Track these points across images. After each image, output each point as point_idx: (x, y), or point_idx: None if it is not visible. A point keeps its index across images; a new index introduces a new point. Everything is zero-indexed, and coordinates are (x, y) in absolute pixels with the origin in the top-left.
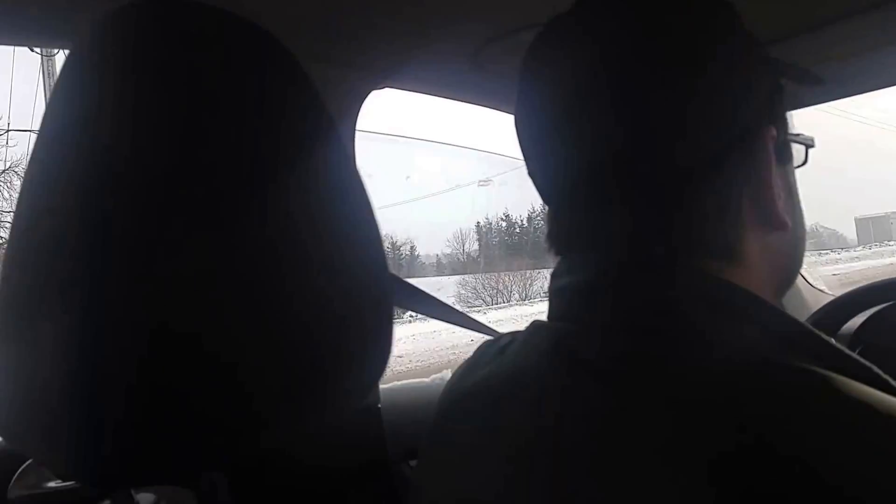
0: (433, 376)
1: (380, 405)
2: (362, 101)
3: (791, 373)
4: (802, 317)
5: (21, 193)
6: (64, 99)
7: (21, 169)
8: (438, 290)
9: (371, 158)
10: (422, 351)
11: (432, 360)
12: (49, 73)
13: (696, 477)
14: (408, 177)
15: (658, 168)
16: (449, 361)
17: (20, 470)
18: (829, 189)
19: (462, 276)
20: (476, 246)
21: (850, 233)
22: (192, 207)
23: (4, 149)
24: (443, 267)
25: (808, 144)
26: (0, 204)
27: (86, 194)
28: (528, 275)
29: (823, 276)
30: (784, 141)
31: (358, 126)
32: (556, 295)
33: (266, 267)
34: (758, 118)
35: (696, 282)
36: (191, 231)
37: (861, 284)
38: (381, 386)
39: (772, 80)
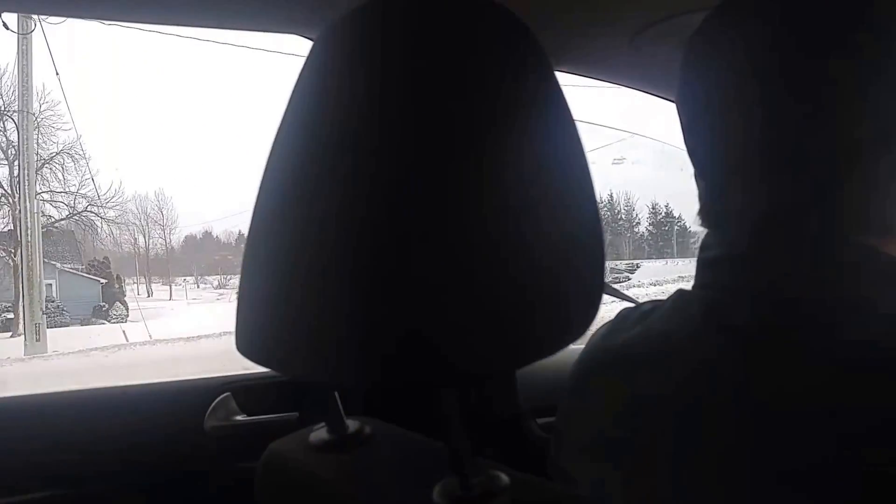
0: None
1: None
2: None
3: None
4: None
5: (271, 154)
6: (315, 81)
7: (74, 152)
8: None
9: None
10: None
11: None
12: (24, 52)
13: (862, 440)
14: None
15: (825, 145)
16: None
17: (213, 404)
18: None
19: None
20: None
21: None
22: (440, 165)
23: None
24: None
25: None
26: (52, 185)
27: (339, 147)
28: None
29: None
30: None
31: None
32: (705, 265)
33: (500, 221)
34: None
35: (856, 254)
36: (432, 185)
37: None
38: None
39: None
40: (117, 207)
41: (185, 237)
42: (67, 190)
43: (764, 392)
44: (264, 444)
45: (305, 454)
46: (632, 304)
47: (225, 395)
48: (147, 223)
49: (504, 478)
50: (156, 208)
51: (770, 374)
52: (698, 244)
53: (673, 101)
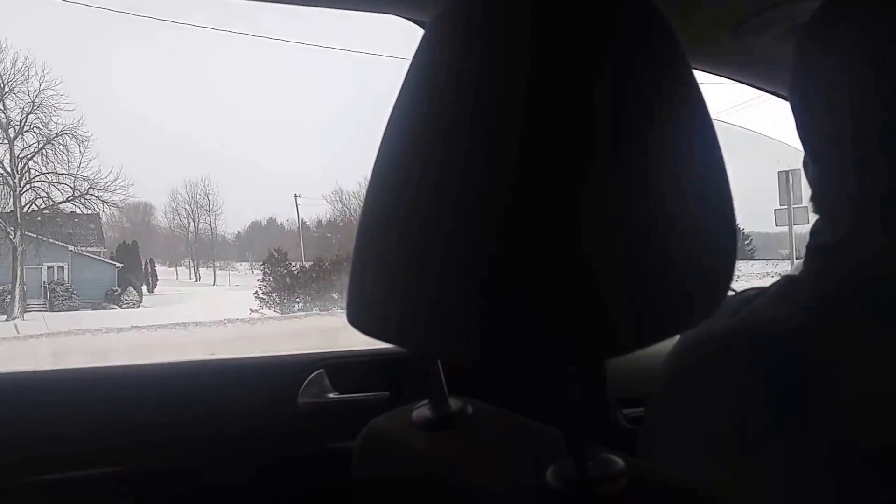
0: None
1: None
2: None
3: None
4: None
5: (385, 134)
6: (431, 63)
7: (79, 132)
8: None
9: None
10: None
11: None
12: None
13: None
14: None
15: None
16: None
17: (307, 380)
18: None
19: None
20: None
21: None
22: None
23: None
24: None
25: None
26: (54, 167)
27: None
28: None
29: None
30: None
31: None
32: (816, 251)
33: (640, 204)
34: None
35: None
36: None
37: None
38: None
39: None
40: (119, 191)
41: (251, 223)
42: (70, 172)
43: (879, 378)
44: (354, 422)
45: (407, 431)
46: (731, 292)
47: (318, 371)
48: (196, 209)
49: (619, 461)
50: (203, 194)
51: (886, 360)
52: (752, 247)
53: (773, 94)
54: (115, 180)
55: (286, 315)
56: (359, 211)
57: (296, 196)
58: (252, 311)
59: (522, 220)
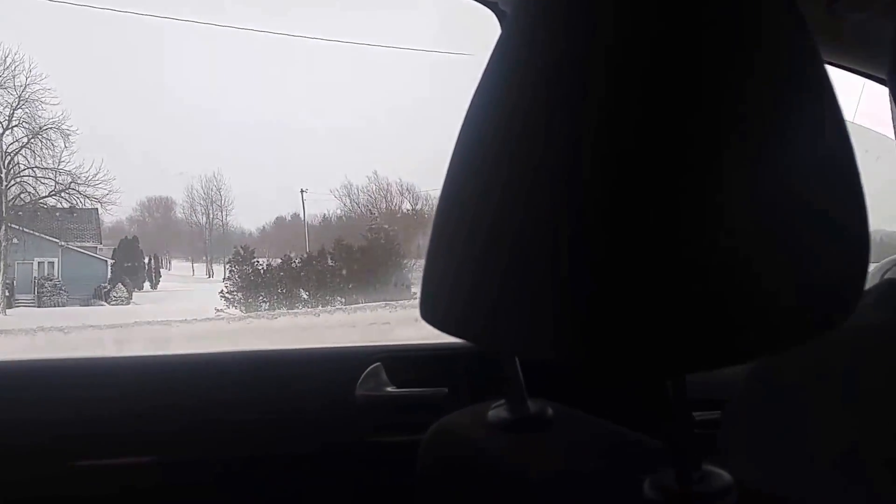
0: None
1: None
2: None
3: None
4: None
5: (463, 127)
6: (516, 48)
7: (66, 127)
8: None
9: None
10: None
11: None
12: None
13: None
14: None
15: None
16: None
17: (364, 374)
18: None
19: None
20: None
21: None
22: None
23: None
24: None
25: None
26: (40, 161)
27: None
28: None
29: None
30: None
31: None
32: None
33: (761, 193)
34: None
35: None
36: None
37: None
38: None
39: None
40: (101, 186)
41: (276, 218)
42: (54, 167)
43: None
44: (413, 417)
45: (483, 431)
46: None
47: (375, 364)
48: (210, 204)
49: (726, 476)
50: (215, 189)
51: None
52: None
53: (868, 76)
54: (97, 174)
55: (250, 314)
56: (366, 206)
57: (302, 191)
58: (218, 310)
59: (616, 215)
